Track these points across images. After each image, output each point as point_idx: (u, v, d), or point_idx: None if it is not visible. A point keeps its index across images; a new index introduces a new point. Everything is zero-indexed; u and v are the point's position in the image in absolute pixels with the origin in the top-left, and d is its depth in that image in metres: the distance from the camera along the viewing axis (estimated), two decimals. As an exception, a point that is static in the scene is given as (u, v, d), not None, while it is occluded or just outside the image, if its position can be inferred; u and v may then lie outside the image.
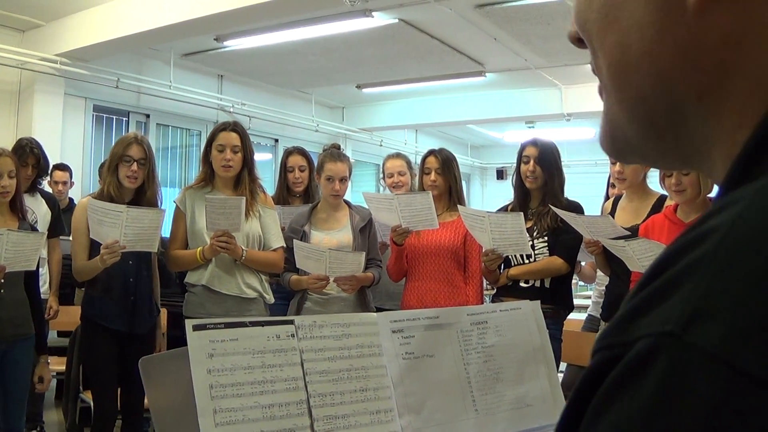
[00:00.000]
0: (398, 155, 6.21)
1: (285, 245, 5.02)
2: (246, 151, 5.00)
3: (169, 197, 6.30)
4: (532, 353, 1.90)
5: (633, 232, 4.42)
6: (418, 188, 5.52)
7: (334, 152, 5.27)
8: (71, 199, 7.73)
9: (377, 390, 1.66)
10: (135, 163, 4.79)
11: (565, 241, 4.88)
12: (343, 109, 15.02)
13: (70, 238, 5.47)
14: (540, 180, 5.04)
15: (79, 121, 9.98)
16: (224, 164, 4.92)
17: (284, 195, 6.20)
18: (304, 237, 5.04)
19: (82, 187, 9.02)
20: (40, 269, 5.23)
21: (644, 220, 4.54)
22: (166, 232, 5.01)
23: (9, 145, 5.93)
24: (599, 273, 5.29)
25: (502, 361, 1.85)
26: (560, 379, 2.53)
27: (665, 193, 4.45)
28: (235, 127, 5.06)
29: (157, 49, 10.24)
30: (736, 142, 0.57)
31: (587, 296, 7.66)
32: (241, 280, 4.88)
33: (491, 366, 1.82)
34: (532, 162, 5.04)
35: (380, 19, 8.85)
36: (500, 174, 18.67)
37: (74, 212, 5.00)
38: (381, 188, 6.24)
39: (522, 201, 5.16)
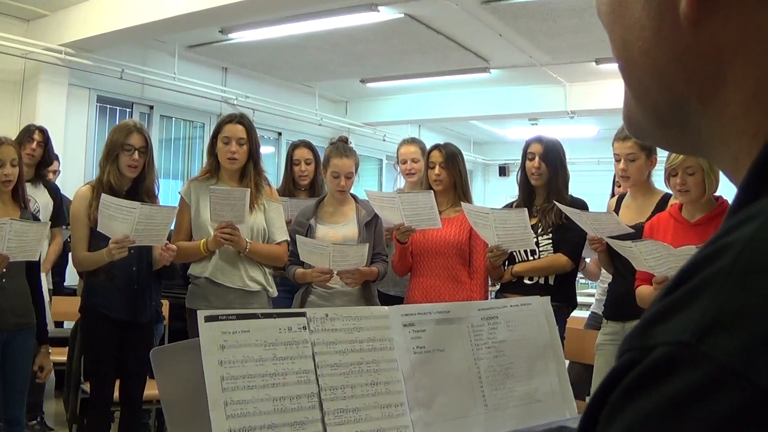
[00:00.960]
0: (413, 141, 6.18)
1: (289, 238, 5.01)
2: (252, 143, 5.00)
3: (171, 189, 6.31)
4: (542, 349, 1.90)
5: (637, 230, 4.42)
6: (423, 182, 5.51)
7: (340, 146, 5.25)
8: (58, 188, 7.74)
9: (388, 384, 1.66)
10: (136, 151, 4.78)
11: (569, 238, 4.88)
12: (346, 103, 15.01)
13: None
14: (545, 177, 5.05)
15: (83, 112, 9.98)
16: (229, 156, 4.92)
17: (290, 188, 6.20)
18: (309, 230, 5.04)
19: (84, 178, 9.00)
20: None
21: (648, 218, 4.53)
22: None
23: (12, 134, 5.93)
24: (603, 270, 5.28)
25: (512, 357, 1.85)
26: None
27: (669, 191, 4.44)
28: (241, 119, 5.06)
29: (161, 40, 10.23)
30: (741, 146, 0.59)
31: (590, 294, 7.66)
32: (244, 272, 4.89)
33: (501, 361, 1.82)
34: (537, 159, 5.05)
35: (386, 14, 8.84)
36: (503, 170, 18.67)
37: (73, 202, 5.00)
38: (396, 172, 6.20)
39: (527, 198, 5.17)
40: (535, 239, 4.92)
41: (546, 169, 5.03)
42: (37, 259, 4.74)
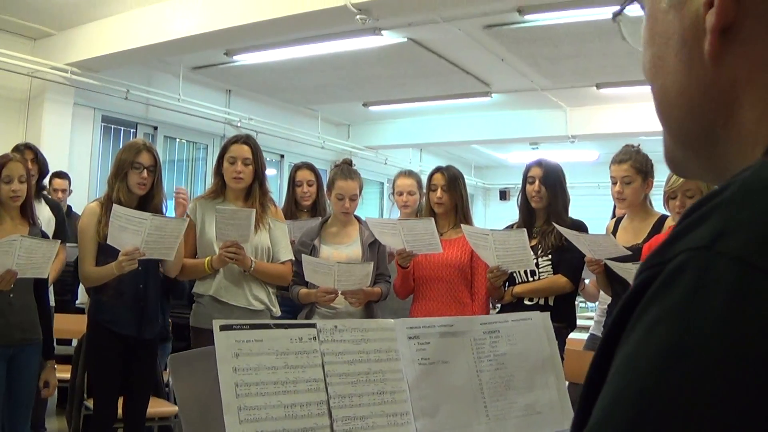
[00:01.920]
0: (410, 173, 6.22)
1: (293, 259, 5.06)
2: (257, 164, 5.04)
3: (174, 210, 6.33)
4: (541, 362, 1.96)
5: (634, 252, 4.46)
6: (425, 205, 5.57)
7: (345, 169, 5.29)
8: (69, 207, 7.76)
9: (394, 393, 1.72)
10: (145, 170, 4.81)
11: (569, 259, 4.92)
12: (348, 126, 15.07)
13: (75, 245, 5.49)
14: (545, 200, 5.10)
15: (88, 131, 10.03)
16: (235, 176, 4.95)
17: (292, 209, 6.26)
18: (313, 251, 5.07)
19: (88, 198, 9.04)
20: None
21: (644, 240, 4.58)
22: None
23: (16, 153, 5.98)
24: (602, 292, 5.33)
25: (513, 369, 1.90)
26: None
27: (666, 212, 4.51)
28: (247, 140, 5.10)
29: (167, 61, 10.29)
30: (754, 158, 0.71)
31: (590, 317, 7.70)
32: (248, 291, 4.91)
33: (503, 373, 1.88)
34: (537, 182, 5.10)
35: (389, 38, 8.91)
36: (503, 195, 18.72)
37: (81, 218, 5.00)
38: (391, 202, 6.26)
39: (527, 221, 5.21)
40: (535, 261, 4.97)
41: (546, 192, 5.09)
42: (46, 276, 4.77)
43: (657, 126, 0.86)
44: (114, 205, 4.57)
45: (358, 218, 5.35)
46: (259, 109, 12.44)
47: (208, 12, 7.93)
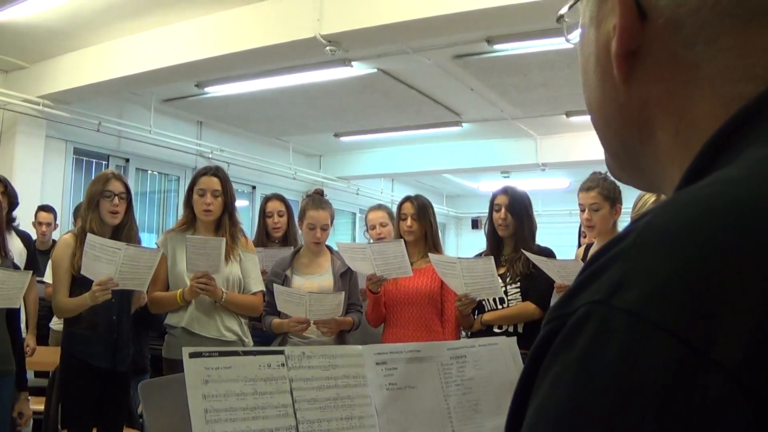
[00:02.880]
0: (380, 207, 6.29)
1: (265, 289, 5.07)
2: (227, 195, 5.04)
3: (147, 242, 6.33)
4: (508, 386, 1.98)
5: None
6: (395, 235, 5.61)
7: (316, 199, 5.32)
8: (54, 241, 7.74)
9: (362, 418, 1.74)
10: (116, 197, 4.82)
11: (537, 286, 4.95)
12: (320, 157, 15.10)
13: (44, 279, 5.46)
14: (511, 227, 5.14)
15: (60, 164, 10.01)
16: (204, 208, 4.96)
17: (263, 240, 6.29)
18: (285, 281, 5.09)
19: (61, 231, 9.02)
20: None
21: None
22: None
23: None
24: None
25: (480, 394, 1.93)
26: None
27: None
28: (216, 171, 5.10)
29: (138, 93, 10.29)
30: (674, 176, 0.74)
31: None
32: (220, 322, 4.91)
33: (470, 398, 1.91)
34: (503, 210, 5.14)
35: (359, 69, 8.97)
36: (475, 224, 18.75)
37: (55, 249, 5.00)
38: (367, 239, 6.31)
39: (495, 248, 5.24)
40: (504, 288, 5.00)
41: (512, 219, 5.12)
42: (18, 307, 4.76)
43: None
44: (88, 234, 4.58)
45: (329, 248, 5.37)
46: (231, 140, 12.46)
47: (179, 44, 7.96)
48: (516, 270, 5.05)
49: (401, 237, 5.40)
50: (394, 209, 5.93)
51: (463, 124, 11.93)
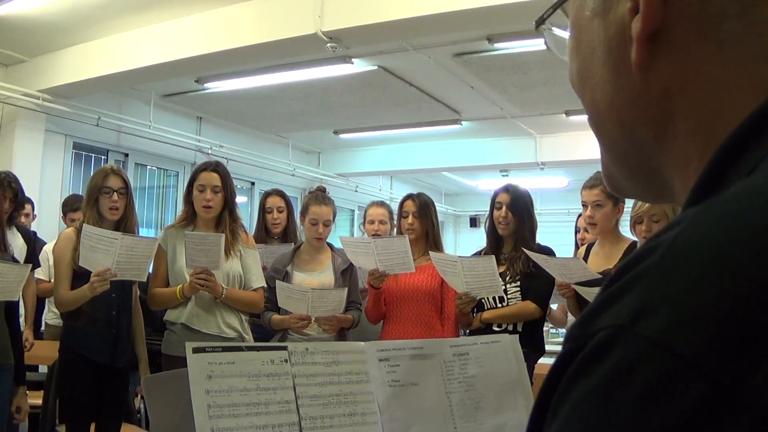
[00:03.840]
0: (381, 204, 6.28)
1: (266, 285, 5.06)
2: (227, 191, 5.03)
3: (147, 237, 6.31)
4: (510, 384, 1.99)
5: (605, 276, 4.48)
6: (396, 233, 5.61)
7: (319, 195, 5.33)
8: (34, 232, 7.71)
9: (365, 415, 1.74)
10: (115, 193, 4.82)
11: (537, 286, 4.96)
12: (319, 154, 15.08)
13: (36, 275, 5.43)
14: (512, 226, 5.14)
15: (59, 158, 9.99)
16: (204, 204, 4.95)
17: (262, 236, 6.27)
18: (286, 277, 5.09)
19: (59, 226, 9.00)
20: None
21: (616, 265, 4.61)
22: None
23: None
24: (569, 317, 5.36)
25: (482, 391, 1.93)
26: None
27: (637, 239, 4.54)
28: (216, 167, 5.09)
29: (138, 89, 10.26)
30: (689, 174, 0.69)
31: (559, 342, 7.73)
32: (220, 319, 4.90)
33: (472, 395, 1.90)
34: (504, 208, 5.14)
35: (359, 66, 8.96)
36: (473, 222, 18.74)
37: (57, 243, 5.02)
38: (362, 232, 6.31)
39: (494, 246, 5.25)
40: (504, 287, 5.00)
41: (513, 218, 5.12)
42: (17, 300, 4.76)
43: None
44: (84, 224, 4.58)
45: (330, 245, 5.37)
46: (230, 136, 12.43)
47: (179, 40, 7.95)
48: (516, 269, 5.06)
49: (401, 234, 5.40)
50: (393, 207, 5.94)
51: (462, 122, 11.93)
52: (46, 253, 6.73)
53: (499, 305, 5.06)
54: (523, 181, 11.95)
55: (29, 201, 7.74)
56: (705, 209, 0.59)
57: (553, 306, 5.61)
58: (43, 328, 7.22)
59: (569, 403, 0.55)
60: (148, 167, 11.61)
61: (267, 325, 5.13)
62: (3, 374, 4.67)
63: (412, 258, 5.07)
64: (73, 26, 8.14)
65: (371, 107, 11.10)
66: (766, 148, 0.61)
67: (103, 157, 10.69)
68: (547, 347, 5.41)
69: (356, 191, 15.17)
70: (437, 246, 5.42)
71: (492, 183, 14.49)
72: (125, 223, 4.92)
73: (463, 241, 18.54)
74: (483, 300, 5.06)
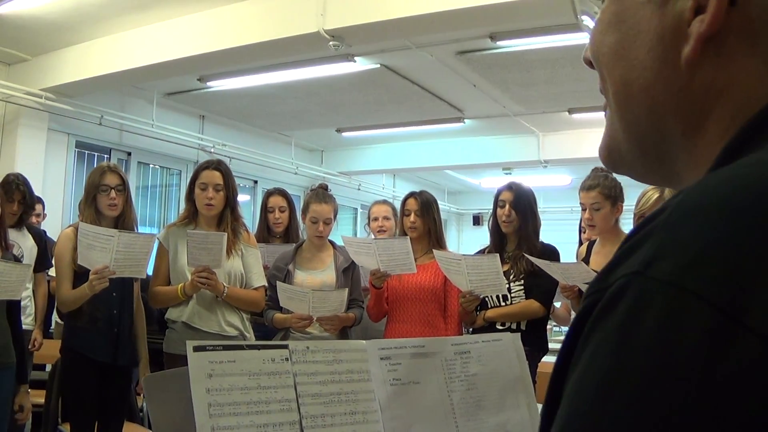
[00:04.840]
0: (385, 202, 6.32)
1: (267, 284, 5.06)
2: (229, 189, 5.03)
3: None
4: (512, 383, 1.98)
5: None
6: (399, 231, 5.60)
7: (320, 193, 5.31)
8: (44, 231, 7.72)
9: (366, 414, 1.73)
10: (112, 190, 4.82)
11: (541, 284, 4.94)
12: (322, 152, 15.08)
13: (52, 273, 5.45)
14: (515, 224, 5.12)
15: (62, 157, 9.99)
16: (206, 202, 4.95)
17: (264, 235, 6.27)
18: (287, 276, 5.08)
19: (62, 224, 9.02)
20: (22, 301, 5.22)
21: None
22: (149, 267, 5.01)
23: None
24: (573, 315, 5.35)
25: (484, 390, 1.92)
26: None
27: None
28: (218, 165, 5.09)
29: (140, 87, 10.28)
30: (704, 172, 0.72)
31: (561, 341, 7.72)
32: (222, 317, 4.90)
33: (474, 394, 1.89)
34: (507, 206, 5.12)
35: (362, 65, 8.96)
36: (476, 220, 18.76)
37: (57, 242, 5.01)
38: (367, 233, 6.32)
39: (498, 245, 5.23)
40: (508, 285, 4.99)
41: (516, 216, 5.11)
42: (19, 299, 4.76)
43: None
44: (80, 222, 4.58)
45: (332, 243, 5.36)
46: (233, 134, 12.43)
47: (182, 38, 7.95)
48: (520, 267, 5.04)
49: (404, 233, 5.39)
50: (396, 205, 5.93)
51: (465, 120, 11.95)
52: None
53: (503, 304, 5.05)
54: (526, 179, 11.93)
55: (40, 201, 7.76)
56: (708, 176, 0.65)
57: (557, 304, 5.59)
58: (53, 327, 7.23)
59: (591, 345, 0.60)
60: (151, 166, 11.61)
61: (269, 324, 5.12)
62: (5, 373, 4.67)
63: (414, 258, 5.06)
64: (75, 25, 8.14)
65: (374, 105, 11.10)
66: None
67: (105, 155, 10.68)
68: (551, 346, 5.40)
69: (359, 189, 15.17)
70: (440, 244, 5.40)
71: (495, 181, 14.49)
72: (123, 220, 4.91)
73: (466, 240, 18.52)
74: (486, 298, 5.05)
